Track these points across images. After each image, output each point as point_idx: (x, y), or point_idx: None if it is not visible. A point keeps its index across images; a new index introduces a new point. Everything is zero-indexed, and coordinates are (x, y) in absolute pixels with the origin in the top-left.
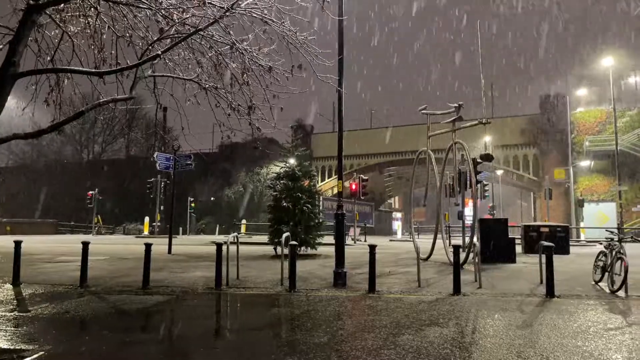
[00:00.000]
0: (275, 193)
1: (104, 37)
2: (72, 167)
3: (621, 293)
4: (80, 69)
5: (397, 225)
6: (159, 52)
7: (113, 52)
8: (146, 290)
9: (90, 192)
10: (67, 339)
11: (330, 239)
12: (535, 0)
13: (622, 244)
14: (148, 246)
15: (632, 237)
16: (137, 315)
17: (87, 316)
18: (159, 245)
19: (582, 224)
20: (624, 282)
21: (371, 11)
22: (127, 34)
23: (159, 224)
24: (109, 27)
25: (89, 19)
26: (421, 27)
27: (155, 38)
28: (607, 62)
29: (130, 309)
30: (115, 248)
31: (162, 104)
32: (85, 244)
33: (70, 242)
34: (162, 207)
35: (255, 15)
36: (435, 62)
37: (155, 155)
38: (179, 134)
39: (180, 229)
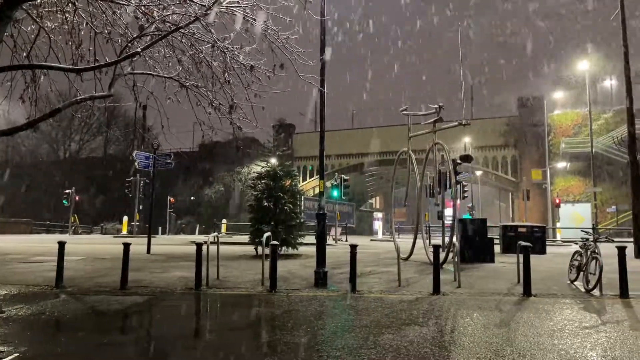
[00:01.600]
0: (256, 193)
1: (82, 33)
2: (48, 166)
3: (596, 292)
4: (57, 65)
5: (378, 225)
6: (139, 50)
7: (91, 48)
8: (124, 291)
9: (67, 191)
10: (42, 340)
11: (311, 239)
12: (516, 5)
13: (597, 244)
14: (126, 246)
15: (606, 238)
16: (114, 316)
17: (63, 317)
18: (138, 245)
19: (558, 224)
20: (599, 281)
21: (353, 13)
22: (106, 31)
23: (137, 223)
24: (87, 23)
25: (67, 15)
26: (403, 27)
27: (135, 35)
28: (583, 65)
29: (108, 309)
30: (92, 248)
31: (142, 102)
32: (61, 244)
33: (46, 242)
34: (141, 207)
35: (237, 13)
36: (417, 63)
37: (134, 154)
38: (158, 132)
39: (160, 228)
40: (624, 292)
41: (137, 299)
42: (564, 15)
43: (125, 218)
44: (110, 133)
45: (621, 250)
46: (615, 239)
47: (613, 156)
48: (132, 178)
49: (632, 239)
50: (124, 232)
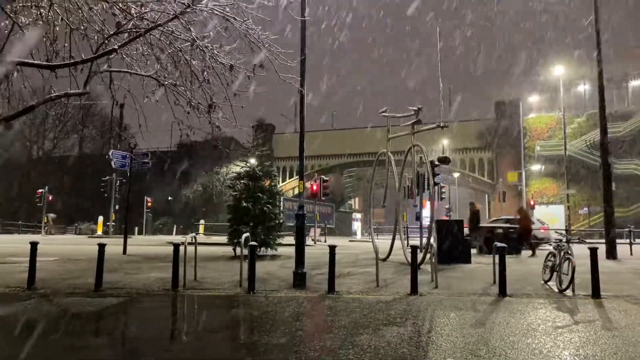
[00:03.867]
0: (235, 193)
1: (57, 29)
2: (20, 164)
3: (569, 292)
4: (31, 61)
5: (357, 226)
6: (116, 47)
7: (66, 45)
8: (99, 292)
9: (40, 190)
10: (12, 343)
11: (290, 240)
12: (494, 11)
13: (570, 244)
14: (101, 246)
15: (579, 239)
16: (88, 318)
17: (34, 319)
18: (114, 245)
19: (532, 226)
20: (572, 281)
21: (335, 17)
22: (82, 27)
23: (113, 223)
24: (62, 19)
25: (42, 10)
26: (384, 29)
27: (112, 32)
28: (558, 70)
29: (82, 311)
30: (66, 249)
31: (119, 100)
32: (34, 244)
33: (18, 242)
34: (117, 207)
35: (216, 12)
36: (397, 66)
37: (110, 153)
38: (136, 131)
39: (136, 229)
40: (596, 292)
41: (112, 301)
42: (541, 20)
43: (101, 218)
44: (86, 131)
45: (593, 251)
46: (588, 240)
47: (586, 159)
48: (107, 177)
49: (603, 240)
50: (99, 232)
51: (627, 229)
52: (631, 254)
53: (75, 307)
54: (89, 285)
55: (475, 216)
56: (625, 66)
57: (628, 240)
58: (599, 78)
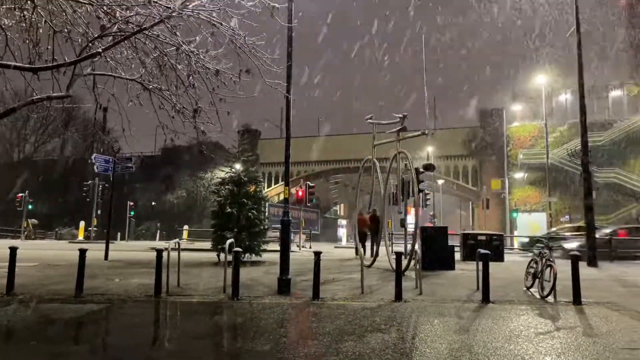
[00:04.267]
0: (219, 198)
1: (40, 31)
2: (0, 168)
3: (550, 299)
4: (13, 63)
5: (342, 232)
6: (100, 50)
7: (49, 47)
8: (79, 299)
9: (20, 194)
10: None
11: (275, 246)
12: (479, 19)
13: (551, 252)
14: (82, 252)
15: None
16: (68, 324)
17: (13, 326)
18: (95, 251)
19: (515, 233)
20: (553, 288)
21: (323, 23)
22: (66, 30)
23: (95, 228)
24: (45, 21)
25: (25, 12)
26: (370, 36)
27: (96, 35)
28: (540, 80)
29: (62, 318)
30: (46, 254)
31: (102, 103)
32: (13, 249)
33: None
34: (99, 212)
35: (202, 17)
36: (383, 73)
37: (93, 157)
38: (119, 135)
39: (119, 234)
40: (577, 299)
41: (92, 307)
42: (524, 31)
43: (82, 223)
44: (68, 135)
45: (574, 258)
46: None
47: (567, 168)
48: (90, 182)
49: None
50: (81, 237)
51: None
52: (611, 261)
53: (55, 313)
54: (69, 291)
55: (377, 222)
56: (606, 76)
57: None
58: (580, 98)
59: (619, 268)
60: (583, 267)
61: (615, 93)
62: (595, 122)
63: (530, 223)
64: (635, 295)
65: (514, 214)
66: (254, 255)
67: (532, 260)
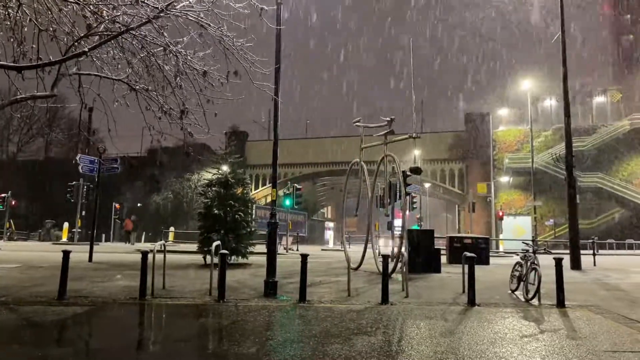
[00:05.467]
0: (206, 200)
1: (25, 30)
2: None
3: (535, 301)
4: None
5: (329, 235)
6: (86, 49)
7: (34, 46)
8: (63, 301)
9: (3, 195)
10: None
11: (262, 248)
12: (466, 26)
13: (536, 255)
14: (66, 253)
15: (545, 249)
16: (51, 327)
17: None
18: (79, 252)
19: (501, 236)
20: (538, 291)
21: (310, 22)
22: (51, 28)
23: (79, 230)
24: (30, 19)
25: (9, 10)
26: (359, 42)
27: (82, 34)
28: (526, 85)
29: (44, 320)
30: (29, 255)
31: (88, 103)
32: None
33: None
34: (83, 213)
35: (191, 18)
36: (372, 77)
37: (78, 158)
38: (105, 136)
39: (104, 236)
40: (560, 302)
41: (76, 310)
42: (511, 37)
43: (66, 224)
44: (52, 135)
45: (558, 262)
46: (553, 251)
47: (552, 172)
48: (74, 183)
49: (568, 251)
50: (64, 239)
51: (591, 240)
52: (594, 264)
53: (37, 316)
54: (52, 294)
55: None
56: (590, 83)
57: (592, 251)
58: (565, 108)
59: (601, 272)
60: (566, 270)
61: (599, 99)
62: (579, 127)
63: (516, 227)
64: (617, 298)
65: (500, 222)
66: (240, 257)
67: (517, 263)
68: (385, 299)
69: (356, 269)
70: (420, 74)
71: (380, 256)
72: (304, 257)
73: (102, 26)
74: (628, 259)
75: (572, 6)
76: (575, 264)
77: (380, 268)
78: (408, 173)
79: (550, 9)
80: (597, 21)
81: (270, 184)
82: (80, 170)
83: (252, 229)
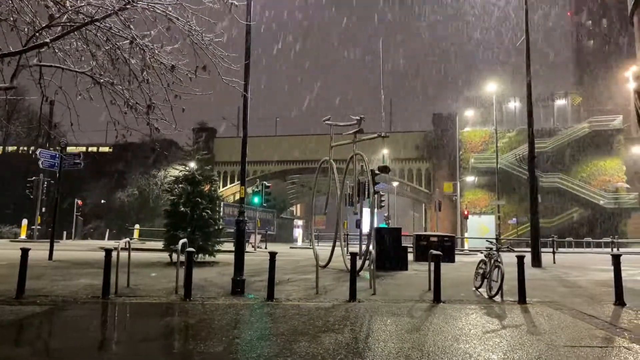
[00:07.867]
0: (172, 197)
1: None
2: None
3: (498, 298)
4: None
5: (298, 233)
6: (48, 40)
7: None
8: (21, 300)
9: None
10: None
11: (230, 246)
12: (434, 29)
13: (499, 253)
14: (25, 251)
15: (508, 247)
16: (8, 327)
17: None
18: (39, 250)
19: (466, 234)
20: (500, 288)
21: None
22: (11, 18)
23: (39, 227)
24: None
25: None
26: (330, 41)
27: (44, 25)
28: (491, 87)
29: (1, 320)
30: None
31: (49, 96)
32: None
33: None
34: (43, 209)
35: (158, 11)
36: (341, 76)
37: (38, 152)
38: (67, 130)
39: (65, 233)
40: (522, 298)
41: (35, 309)
42: (477, 40)
43: (25, 221)
44: (11, 128)
45: (520, 259)
46: (516, 249)
47: (515, 172)
48: (34, 178)
49: (530, 249)
50: (23, 236)
51: (551, 239)
52: (554, 262)
53: None
54: (9, 293)
55: None
56: (551, 86)
57: (552, 249)
58: (528, 115)
59: (561, 269)
60: (528, 267)
61: (560, 102)
62: (541, 129)
63: (480, 225)
64: (576, 294)
65: (466, 221)
66: (208, 255)
67: (481, 261)
68: (353, 296)
69: (325, 266)
70: (392, 74)
71: (349, 254)
72: (272, 255)
73: (65, 17)
74: (586, 256)
75: (537, 13)
76: (536, 262)
77: (349, 266)
78: (376, 172)
79: (515, 6)
80: (559, 26)
81: (239, 182)
82: (41, 165)
83: (220, 227)
